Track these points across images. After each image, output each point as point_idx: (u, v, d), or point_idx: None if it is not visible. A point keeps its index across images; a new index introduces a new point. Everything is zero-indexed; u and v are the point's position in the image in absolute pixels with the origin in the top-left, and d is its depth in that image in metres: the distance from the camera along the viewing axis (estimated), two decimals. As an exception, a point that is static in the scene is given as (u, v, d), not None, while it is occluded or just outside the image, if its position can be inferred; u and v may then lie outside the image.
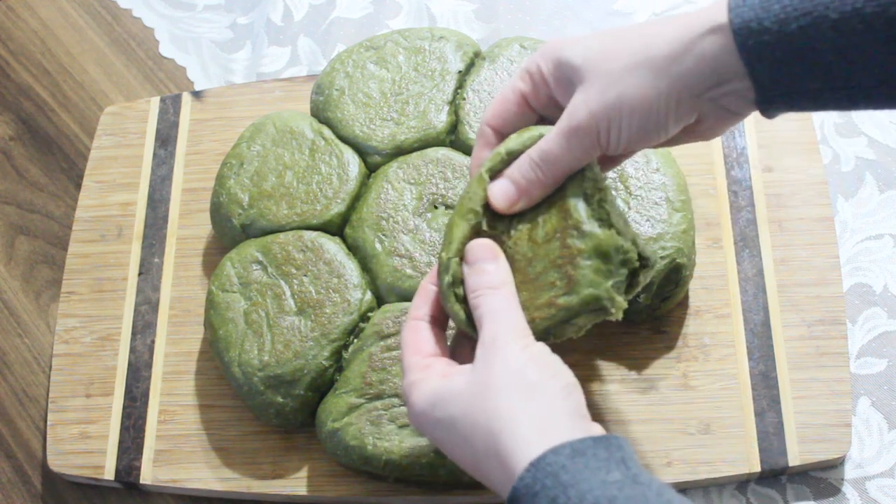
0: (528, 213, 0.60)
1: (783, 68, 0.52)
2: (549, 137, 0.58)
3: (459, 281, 0.59)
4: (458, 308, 0.59)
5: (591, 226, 0.56)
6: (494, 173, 0.60)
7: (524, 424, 0.51)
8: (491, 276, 0.57)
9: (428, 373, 0.57)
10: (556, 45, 0.58)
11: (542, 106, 0.60)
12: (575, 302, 0.56)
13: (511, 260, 0.59)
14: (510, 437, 0.51)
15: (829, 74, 0.51)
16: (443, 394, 0.55)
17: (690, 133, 0.59)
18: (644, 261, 0.58)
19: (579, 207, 0.57)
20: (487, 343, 0.55)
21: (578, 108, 0.56)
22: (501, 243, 0.60)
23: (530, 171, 0.58)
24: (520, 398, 0.52)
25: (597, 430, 0.53)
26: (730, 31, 0.52)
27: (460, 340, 0.62)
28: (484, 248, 0.58)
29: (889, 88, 0.51)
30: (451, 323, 0.63)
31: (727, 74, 0.53)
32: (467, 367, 0.56)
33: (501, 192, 0.59)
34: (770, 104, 0.54)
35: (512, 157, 0.60)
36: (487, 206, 0.60)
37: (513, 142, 0.60)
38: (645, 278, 0.59)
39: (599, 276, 0.56)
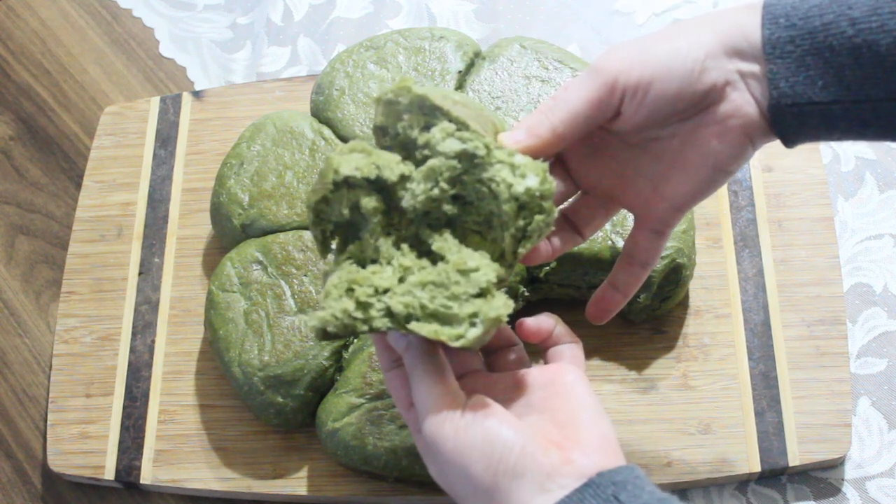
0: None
1: (801, 68, 0.52)
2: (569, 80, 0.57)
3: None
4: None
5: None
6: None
7: None
8: (408, 360, 0.55)
9: (417, 437, 0.56)
10: None
11: None
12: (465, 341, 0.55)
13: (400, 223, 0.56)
14: None
15: (842, 81, 0.51)
16: (430, 471, 0.55)
17: (713, 128, 0.55)
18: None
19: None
20: (427, 441, 0.53)
21: (605, 54, 0.55)
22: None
23: (539, 110, 0.56)
24: (476, 501, 0.52)
25: (577, 462, 0.51)
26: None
27: None
28: (385, 354, 0.57)
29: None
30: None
31: (753, 49, 0.53)
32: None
33: (511, 134, 0.56)
34: (782, 117, 0.53)
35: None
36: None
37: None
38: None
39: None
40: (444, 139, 0.54)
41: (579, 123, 0.55)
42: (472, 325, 0.52)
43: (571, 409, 0.54)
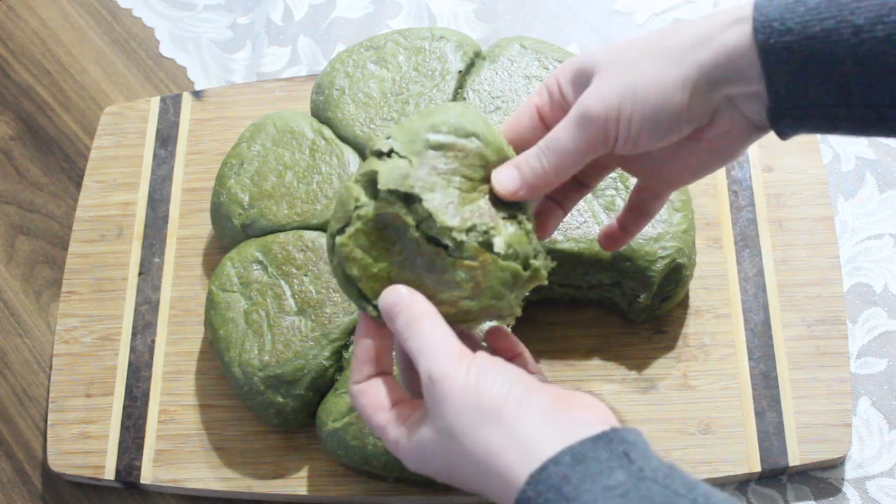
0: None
1: (800, 75, 0.50)
2: (558, 126, 0.56)
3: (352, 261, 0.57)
4: (355, 295, 0.57)
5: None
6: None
7: (503, 456, 0.50)
8: (407, 313, 0.55)
9: (401, 429, 0.55)
10: (575, 58, 0.58)
11: (556, 119, 0.59)
12: (476, 308, 0.55)
13: (416, 242, 0.55)
14: (497, 471, 0.50)
15: (845, 87, 0.50)
16: (419, 450, 0.54)
17: (704, 143, 0.56)
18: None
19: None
20: (427, 383, 0.53)
21: (590, 96, 0.54)
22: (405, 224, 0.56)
23: (535, 158, 0.56)
24: (486, 432, 0.51)
25: (579, 416, 0.51)
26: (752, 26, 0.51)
27: (409, 371, 0.60)
28: (392, 294, 0.56)
29: None
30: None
31: (746, 70, 0.51)
32: (423, 413, 0.54)
33: (505, 178, 0.56)
34: (781, 118, 0.53)
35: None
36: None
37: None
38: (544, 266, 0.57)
39: (506, 288, 0.55)
40: (414, 228, 0.54)
41: (570, 168, 0.56)
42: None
43: (571, 393, 0.55)
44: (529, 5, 0.95)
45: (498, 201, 0.56)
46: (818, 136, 0.84)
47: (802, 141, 0.83)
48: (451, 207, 0.54)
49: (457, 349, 0.53)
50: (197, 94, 0.91)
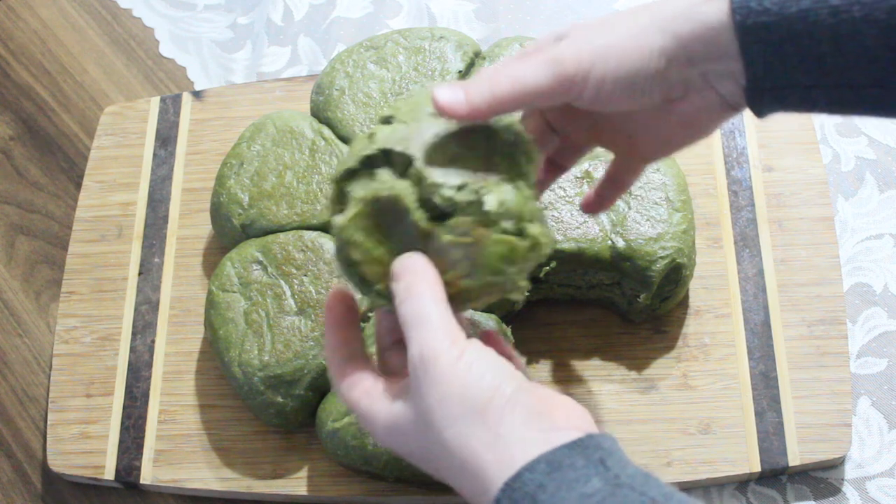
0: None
1: (777, 55, 0.50)
2: (525, 61, 0.54)
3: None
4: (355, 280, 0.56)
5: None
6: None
7: (481, 455, 0.49)
8: (411, 277, 0.53)
9: (377, 396, 0.54)
10: (557, 28, 0.57)
11: None
12: (475, 286, 0.54)
13: (414, 226, 0.54)
14: (472, 469, 0.49)
15: (822, 68, 0.50)
16: (395, 425, 0.52)
17: (675, 117, 0.56)
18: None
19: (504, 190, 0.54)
20: (416, 360, 0.51)
21: (566, 46, 0.53)
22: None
23: (485, 78, 0.53)
24: (468, 427, 0.49)
25: (561, 420, 0.50)
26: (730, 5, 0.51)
27: (388, 352, 0.58)
28: (406, 259, 0.54)
29: (881, 91, 0.50)
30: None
31: (723, 47, 0.51)
32: (405, 387, 0.53)
33: (446, 91, 0.53)
34: (760, 97, 0.53)
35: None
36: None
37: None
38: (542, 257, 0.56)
39: (504, 263, 0.53)
40: (414, 208, 0.54)
41: (521, 102, 0.54)
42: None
43: (553, 395, 0.53)
44: (529, 5, 0.95)
45: (497, 168, 0.54)
46: (818, 136, 0.84)
47: (802, 141, 0.83)
48: (444, 167, 0.53)
49: (452, 329, 0.51)
50: (197, 94, 0.91)
